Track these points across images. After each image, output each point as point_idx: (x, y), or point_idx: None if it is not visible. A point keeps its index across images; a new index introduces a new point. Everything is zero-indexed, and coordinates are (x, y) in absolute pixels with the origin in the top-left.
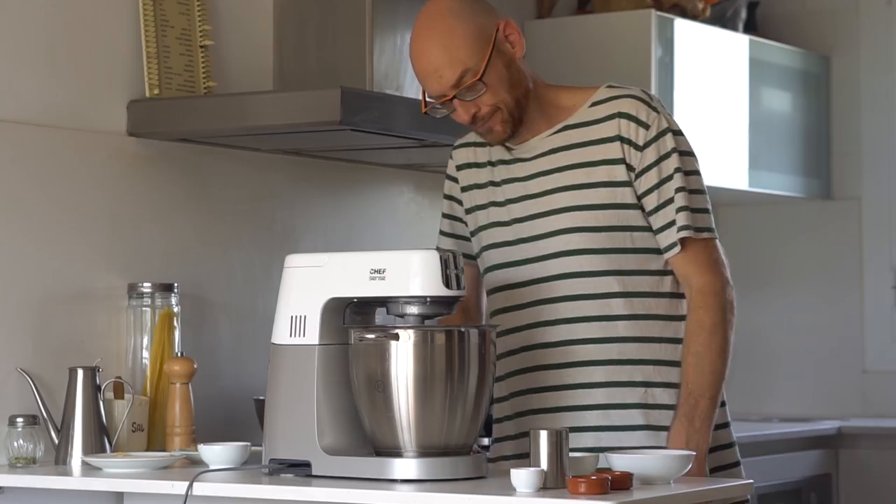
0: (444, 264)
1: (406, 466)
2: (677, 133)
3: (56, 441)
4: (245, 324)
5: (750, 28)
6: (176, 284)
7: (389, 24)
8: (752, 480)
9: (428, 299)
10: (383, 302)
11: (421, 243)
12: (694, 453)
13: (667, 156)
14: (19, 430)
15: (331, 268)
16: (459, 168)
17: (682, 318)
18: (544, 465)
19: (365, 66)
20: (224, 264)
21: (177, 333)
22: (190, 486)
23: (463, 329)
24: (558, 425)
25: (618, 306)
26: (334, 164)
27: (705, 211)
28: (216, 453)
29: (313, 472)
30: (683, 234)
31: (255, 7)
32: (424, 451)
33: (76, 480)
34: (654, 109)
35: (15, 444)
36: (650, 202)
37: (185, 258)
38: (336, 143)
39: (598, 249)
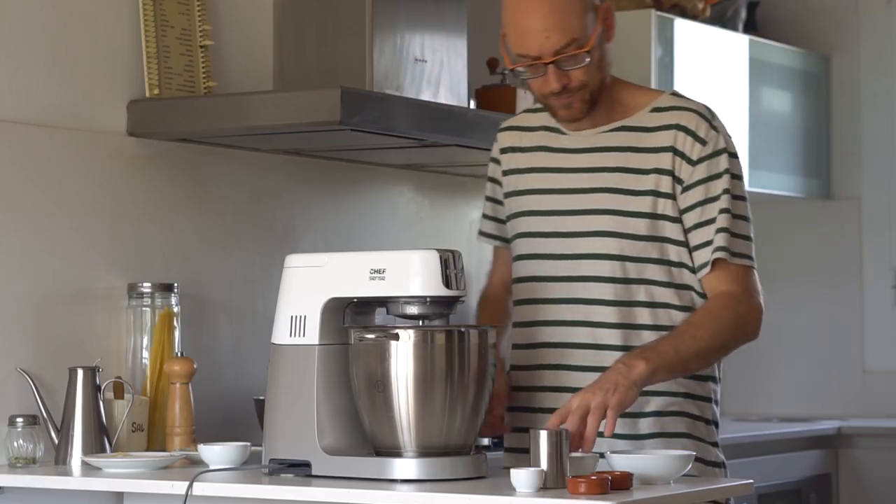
0: (444, 264)
1: (406, 466)
2: (733, 155)
3: (56, 441)
4: (245, 324)
5: (750, 28)
6: (176, 284)
7: (389, 24)
8: (751, 480)
9: (428, 299)
10: (383, 302)
11: (421, 243)
12: (694, 454)
13: (718, 175)
14: (19, 430)
15: (331, 268)
16: (503, 151)
17: None
18: (544, 465)
19: (365, 66)
20: (224, 264)
21: (177, 333)
22: (190, 486)
23: (463, 329)
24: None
25: (642, 315)
26: (334, 164)
27: (747, 238)
28: (216, 453)
29: (313, 472)
30: (718, 254)
31: (255, 7)
32: (424, 451)
33: (76, 480)
34: (715, 128)
35: (15, 444)
36: (691, 218)
37: (185, 258)
38: (336, 143)
39: (633, 258)
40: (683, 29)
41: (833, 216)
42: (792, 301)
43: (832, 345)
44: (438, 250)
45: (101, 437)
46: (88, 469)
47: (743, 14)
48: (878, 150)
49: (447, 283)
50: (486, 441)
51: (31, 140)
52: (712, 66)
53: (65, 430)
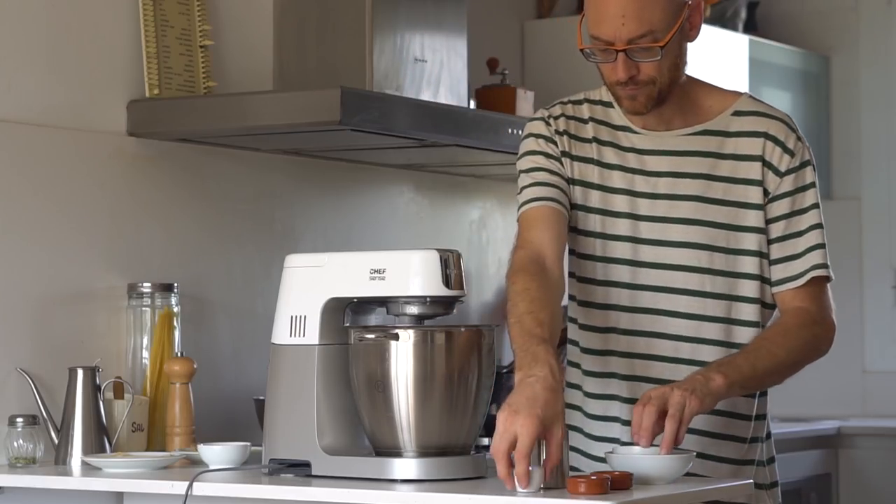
0: (444, 264)
1: (406, 466)
2: (814, 167)
3: (56, 441)
4: (245, 324)
5: (750, 28)
6: (176, 284)
7: (389, 24)
8: (751, 480)
9: (428, 299)
10: (383, 302)
11: (421, 243)
12: (694, 453)
13: (804, 188)
14: (19, 430)
15: (331, 268)
16: (559, 133)
17: None
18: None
19: (365, 66)
20: (224, 264)
21: (177, 333)
22: (190, 486)
23: (463, 329)
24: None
25: (736, 333)
26: (334, 164)
27: (827, 252)
28: (216, 453)
29: (313, 472)
30: (819, 272)
31: (255, 7)
32: (424, 451)
33: (76, 480)
34: (800, 138)
35: (15, 444)
36: (776, 230)
37: (185, 258)
38: (336, 143)
39: (722, 271)
40: None
41: (833, 216)
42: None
43: (832, 345)
44: (438, 250)
45: (101, 437)
46: (88, 469)
47: (743, 14)
48: (878, 150)
49: (447, 283)
50: (486, 441)
51: (31, 140)
52: (712, 66)
53: (65, 430)
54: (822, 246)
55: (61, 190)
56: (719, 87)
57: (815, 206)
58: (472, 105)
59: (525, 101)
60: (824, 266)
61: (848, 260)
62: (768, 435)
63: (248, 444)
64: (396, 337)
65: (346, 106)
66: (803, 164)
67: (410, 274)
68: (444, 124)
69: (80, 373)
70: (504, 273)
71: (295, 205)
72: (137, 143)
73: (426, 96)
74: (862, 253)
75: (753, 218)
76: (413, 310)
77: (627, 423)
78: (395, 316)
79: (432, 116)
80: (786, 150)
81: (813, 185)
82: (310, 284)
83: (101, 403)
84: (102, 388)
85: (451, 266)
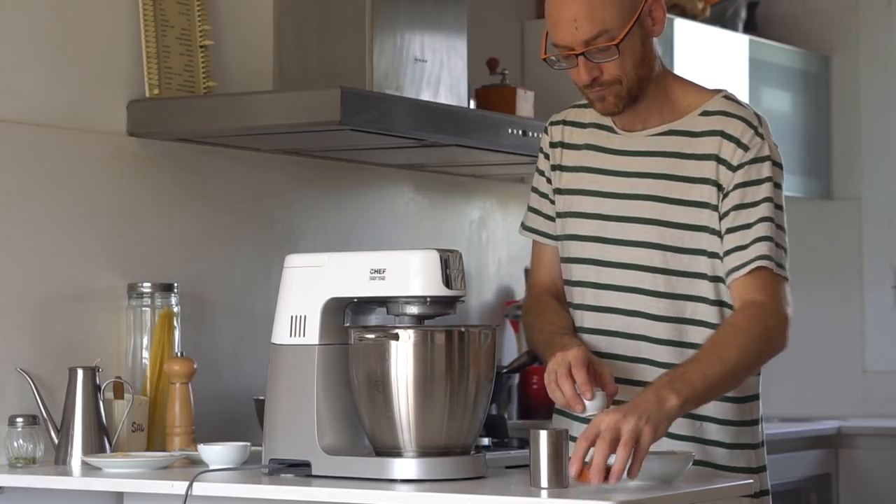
0: (444, 264)
1: (406, 466)
2: (777, 164)
3: (56, 441)
4: (245, 324)
5: (750, 28)
6: (176, 284)
7: (389, 24)
8: (751, 481)
9: (428, 299)
10: (383, 302)
11: (421, 243)
12: (693, 453)
13: (758, 182)
14: (19, 430)
15: (331, 268)
16: (553, 146)
17: None
18: (544, 465)
19: (365, 66)
20: (224, 264)
21: (177, 333)
22: (190, 486)
23: (463, 329)
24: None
25: (687, 332)
26: (334, 164)
27: (786, 252)
28: (216, 453)
29: (313, 472)
30: (761, 263)
31: (255, 7)
32: (424, 451)
33: (76, 480)
34: (760, 135)
35: (15, 444)
36: (726, 223)
37: (185, 258)
38: (336, 143)
39: (677, 271)
40: (683, 29)
41: (833, 216)
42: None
43: (832, 345)
44: (438, 250)
45: (101, 437)
46: (88, 469)
47: (743, 14)
48: (878, 150)
49: (447, 283)
50: (486, 441)
51: (31, 140)
52: (712, 66)
53: (65, 430)
54: (769, 239)
55: (61, 190)
56: (698, 86)
57: (769, 199)
58: (472, 105)
59: (525, 101)
60: (769, 258)
61: (848, 260)
62: (762, 443)
63: (248, 444)
64: (396, 337)
65: (346, 106)
66: (759, 159)
67: (410, 274)
68: (444, 124)
69: (80, 373)
70: (504, 273)
71: (295, 205)
72: (137, 143)
73: (426, 96)
74: (862, 253)
75: (707, 217)
76: (413, 310)
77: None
78: (395, 316)
79: (432, 116)
80: (739, 144)
81: (769, 180)
82: (310, 284)
83: (101, 403)
84: (102, 388)
85: (451, 266)
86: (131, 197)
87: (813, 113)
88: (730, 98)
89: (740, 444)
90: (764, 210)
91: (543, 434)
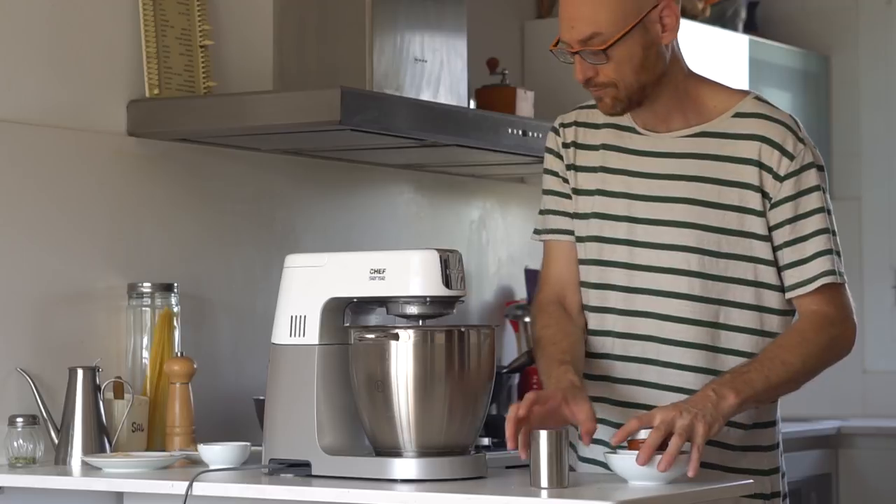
0: (444, 264)
1: (406, 466)
2: (821, 168)
3: (56, 441)
4: (245, 324)
5: (750, 28)
6: (176, 284)
7: (389, 24)
8: (751, 481)
9: (428, 299)
10: (383, 302)
11: (421, 243)
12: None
13: (808, 191)
14: (19, 430)
15: (331, 268)
16: (566, 146)
17: None
18: (544, 465)
19: (365, 66)
20: (224, 264)
21: (177, 333)
22: (190, 486)
23: (463, 329)
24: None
25: (720, 337)
26: (334, 164)
27: (839, 255)
28: (216, 453)
29: (313, 472)
30: (826, 279)
31: (255, 7)
32: (424, 451)
33: (76, 480)
34: (802, 141)
35: (15, 444)
36: (781, 236)
37: (185, 258)
38: (336, 143)
39: (713, 276)
40: (683, 29)
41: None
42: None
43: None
44: (438, 250)
45: (101, 437)
46: (88, 469)
47: (743, 14)
48: (878, 149)
49: (447, 283)
50: (486, 441)
51: (31, 140)
52: (712, 66)
53: (65, 430)
54: (829, 252)
55: (61, 190)
56: (726, 87)
57: (821, 209)
58: (472, 105)
59: (525, 101)
60: (832, 273)
61: (848, 260)
62: (776, 445)
63: (248, 444)
64: (396, 337)
65: (346, 106)
66: (805, 167)
67: (410, 274)
68: (444, 124)
69: (80, 373)
70: (504, 273)
71: (295, 205)
72: (137, 143)
73: (426, 96)
74: (862, 253)
75: (749, 223)
76: (413, 310)
77: (617, 425)
78: (395, 316)
79: (432, 116)
80: (784, 153)
81: (818, 188)
82: (310, 284)
83: (101, 403)
84: (102, 388)
85: (451, 266)
86: (131, 197)
87: (813, 113)
88: (761, 100)
89: (751, 447)
90: (819, 221)
91: (543, 434)
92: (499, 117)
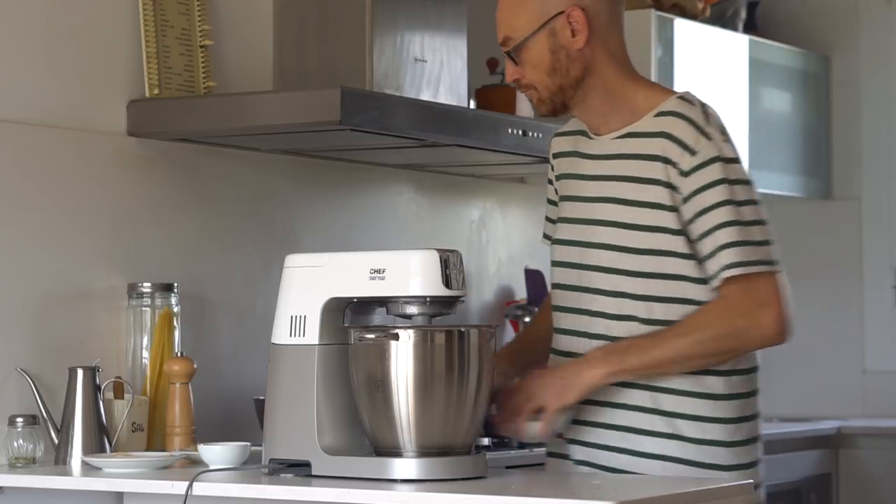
0: (444, 264)
1: (406, 466)
2: (729, 161)
3: (56, 441)
4: (245, 324)
5: (750, 28)
6: (176, 284)
7: (389, 24)
8: (751, 481)
9: (428, 299)
10: (383, 302)
11: (421, 243)
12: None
13: (710, 185)
14: (19, 430)
15: (331, 268)
16: (555, 156)
17: None
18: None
19: (365, 66)
20: (224, 264)
21: (177, 333)
22: (190, 486)
23: (463, 329)
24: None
25: (640, 331)
26: (334, 164)
27: (762, 243)
28: (216, 453)
29: (313, 472)
30: (728, 272)
31: (255, 7)
32: (424, 451)
33: (76, 480)
34: (706, 135)
35: (15, 444)
36: (692, 231)
37: (185, 258)
38: (336, 143)
39: (633, 272)
40: (683, 29)
41: (833, 216)
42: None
43: (832, 345)
44: (438, 250)
45: (101, 437)
46: (88, 469)
47: (743, 14)
48: (878, 150)
49: (447, 283)
50: (486, 441)
51: (31, 140)
52: (712, 66)
53: (65, 430)
54: (730, 245)
55: (61, 190)
56: (658, 87)
57: (725, 202)
58: (472, 105)
59: (525, 101)
60: (737, 265)
61: (848, 260)
62: (747, 441)
63: (248, 444)
64: (396, 337)
65: (346, 106)
66: (709, 161)
67: (410, 274)
68: (444, 124)
69: (80, 373)
70: (504, 273)
71: (295, 205)
72: (137, 143)
73: (426, 96)
74: (862, 253)
75: (662, 218)
76: (413, 310)
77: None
78: (395, 316)
79: (432, 116)
80: (686, 148)
81: (722, 181)
82: (310, 284)
83: (101, 403)
84: (102, 388)
85: (451, 266)
86: (131, 197)
87: (813, 113)
88: (684, 98)
89: (714, 441)
90: (721, 215)
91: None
92: (499, 117)
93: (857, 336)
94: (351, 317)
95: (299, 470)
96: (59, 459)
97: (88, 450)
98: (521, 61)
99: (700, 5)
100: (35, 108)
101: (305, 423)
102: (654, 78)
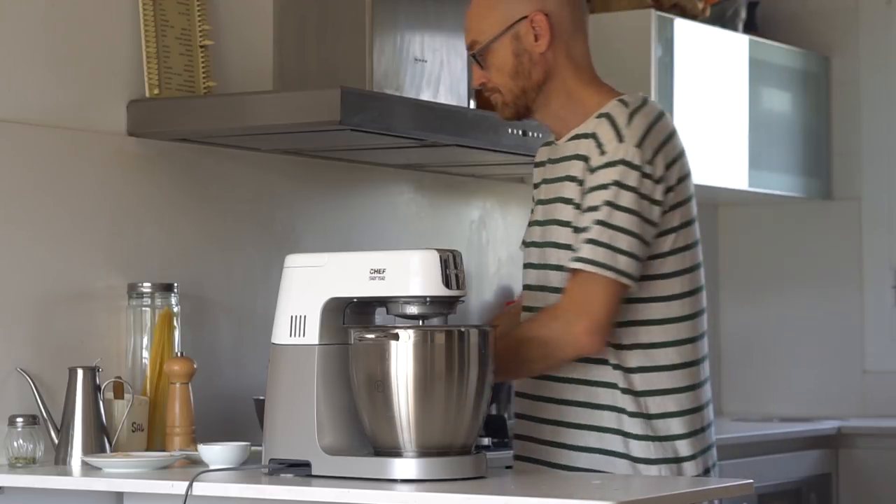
0: (444, 264)
1: (406, 466)
2: (633, 166)
3: (56, 441)
4: (245, 324)
5: (750, 28)
6: (176, 284)
7: (389, 24)
8: (751, 480)
9: (428, 299)
10: (383, 302)
11: (421, 243)
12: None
13: (604, 186)
14: (19, 430)
15: (331, 268)
16: (536, 166)
17: (630, 346)
18: None
19: (365, 66)
20: (224, 264)
21: (177, 333)
22: (190, 486)
23: (463, 329)
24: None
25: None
26: (334, 164)
27: (621, 252)
28: (216, 453)
29: (313, 472)
30: (578, 265)
31: (255, 7)
32: (424, 451)
33: (76, 480)
34: (620, 137)
35: (15, 444)
36: (578, 225)
37: (185, 258)
38: (336, 143)
39: (541, 265)
40: (683, 29)
41: (833, 216)
42: (792, 301)
43: (832, 345)
44: (438, 250)
45: (101, 437)
46: (88, 469)
47: (743, 14)
48: (878, 150)
49: (447, 283)
50: (486, 441)
51: (31, 140)
52: (712, 66)
53: (65, 430)
54: (596, 243)
55: (61, 190)
56: (611, 90)
57: (609, 203)
58: (472, 105)
59: None
60: (590, 262)
61: (848, 260)
62: (685, 434)
63: (248, 444)
64: (396, 337)
65: (346, 106)
66: (613, 163)
67: (410, 274)
68: (444, 124)
69: (80, 373)
70: (504, 273)
71: (295, 205)
72: (137, 143)
73: (426, 96)
74: (862, 253)
75: (571, 213)
76: (413, 310)
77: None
78: (395, 316)
79: (432, 116)
80: (600, 146)
81: (616, 184)
82: (310, 284)
83: (101, 403)
84: (102, 388)
85: (451, 266)
86: (131, 197)
87: (813, 113)
88: (622, 100)
89: (647, 436)
90: (600, 214)
91: None
92: (498, 117)
93: (857, 336)
94: (351, 317)
95: (299, 470)
96: (59, 459)
97: (88, 450)
98: (486, 65)
99: (700, 5)
100: (35, 108)
101: (305, 423)
102: (653, 78)
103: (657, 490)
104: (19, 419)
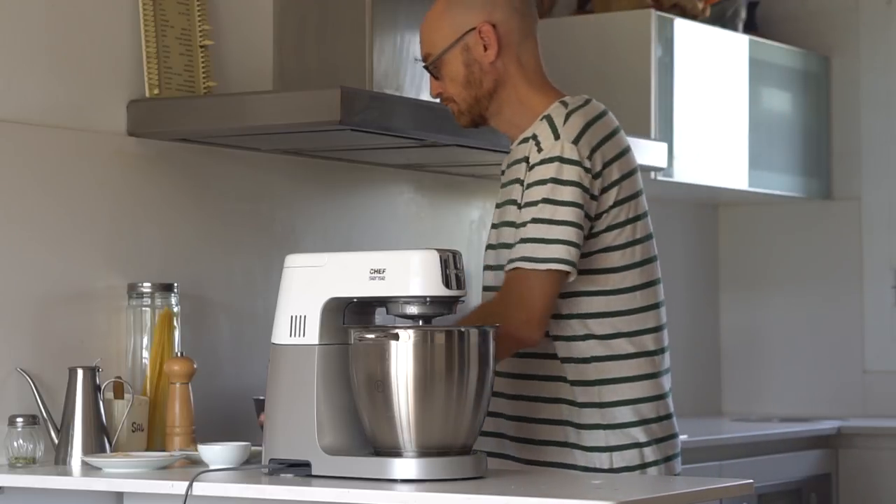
0: (444, 264)
1: (406, 466)
2: (567, 161)
3: (56, 441)
4: (245, 324)
5: (750, 28)
6: (176, 284)
7: (389, 24)
8: (751, 480)
9: (428, 299)
10: (383, 302)
11: (421, 243)
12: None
13: (540, 182)
14: (19, 430)
15: (331, 268)
16: (501, 172)
17: (582, 337)
18: None
19: (365, 65)
20: (224, 264)
21: (177, 333)
22: (190, 486)
23: (463, 329)
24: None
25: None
26: (334, 164)
27: (556, 242)
28: (216, 453)
29: (313, 472)
30: (515, 264)
31: (255, 7)
32: (424, 451)
33: (76, 480)
34: (556, 135)
35: (15, 444)
36: (518, 221)
37: (185, 258)
38: (336, 143)
39: (495, 266)
40: (683, 29)
41: (833, 216)
42: (792, 301)
43: (832, 345)
44: (438, 250)
45: (101, 437)
46: (88, 469)
47: (743, 14)
48: (878, 150)
49: (447, 283)
50: None
51: (31, 140)
52: (712, 66)
53: (65, 430)
54: (531, 240)
55: (61, 190)
56: (557, 93)
57: (543, 200)
58: None
59: None
60: (525, 259)
61: (848, 260)
62: (626, 424)
63: (248, 443)
64: (396, 337)
65: (346, 106)
66: (549, 160)
67: (410, 274)
68: (444, 124)
69: (80, 373)
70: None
71: (295, 205)
72: (137, 143)
73: (426, 96)
74: (862, 253)
75: (514, 214)
76: (413, 310)
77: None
78: (395, 316)
79: (432, 116)
80: (537, 144)
81: (552, 180)
82: (310, 284)
83: (101, 403)
84: (102, 388)
85: (451, 266)
86: (131, 197)
87: (813, 113)
88: (562, 101)
89: (598, 425)
90: (536, 211)
91: None
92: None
93: (857, 336)
94: (351, 317)
95: (299, 470)
96: (59, 459)
97: (88, 450)
98: (440, 76)
99: (700, 5)
100: (35, 108)
101: (305, 423)
102: (653, 78)
103: (657, 490)
104: (19, 419)
